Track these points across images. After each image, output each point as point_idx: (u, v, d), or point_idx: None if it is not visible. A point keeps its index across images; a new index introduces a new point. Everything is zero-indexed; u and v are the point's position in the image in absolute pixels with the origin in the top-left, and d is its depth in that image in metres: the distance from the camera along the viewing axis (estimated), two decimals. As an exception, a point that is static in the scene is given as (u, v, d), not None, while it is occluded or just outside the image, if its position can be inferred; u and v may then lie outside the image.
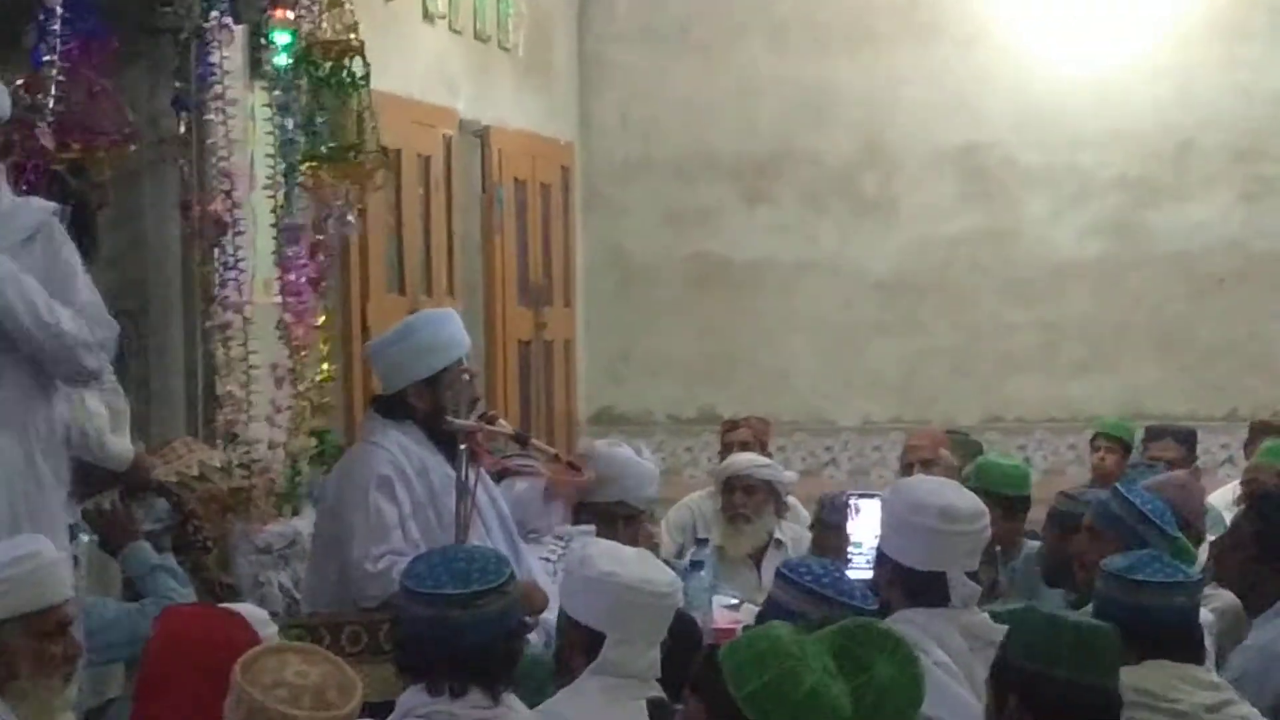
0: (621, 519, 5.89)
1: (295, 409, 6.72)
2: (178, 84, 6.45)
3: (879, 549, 4.53)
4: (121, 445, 5.58)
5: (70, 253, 4.59)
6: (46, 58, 5.48)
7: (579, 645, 4.05)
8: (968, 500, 4.50)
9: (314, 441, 6.78)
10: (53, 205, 4.67)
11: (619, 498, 5.96)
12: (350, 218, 6.94)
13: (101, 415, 5.52)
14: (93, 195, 5.54)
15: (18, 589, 3.79)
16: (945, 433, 8.39)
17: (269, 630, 3.97)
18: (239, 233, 6.49)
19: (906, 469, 7.55)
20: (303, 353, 6.79)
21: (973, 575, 4.44)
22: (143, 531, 5.43)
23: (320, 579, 5.42)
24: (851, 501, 6.52)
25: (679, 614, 4.25)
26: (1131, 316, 11.18)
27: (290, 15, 6.73)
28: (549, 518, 5.87)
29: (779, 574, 4.20)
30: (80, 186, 5.48)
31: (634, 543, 5.54)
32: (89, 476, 5.50)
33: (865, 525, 6.16)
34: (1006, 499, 6.32)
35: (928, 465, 7.28)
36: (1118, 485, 5.42)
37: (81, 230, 5.53)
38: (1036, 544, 6.31)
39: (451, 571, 3.83)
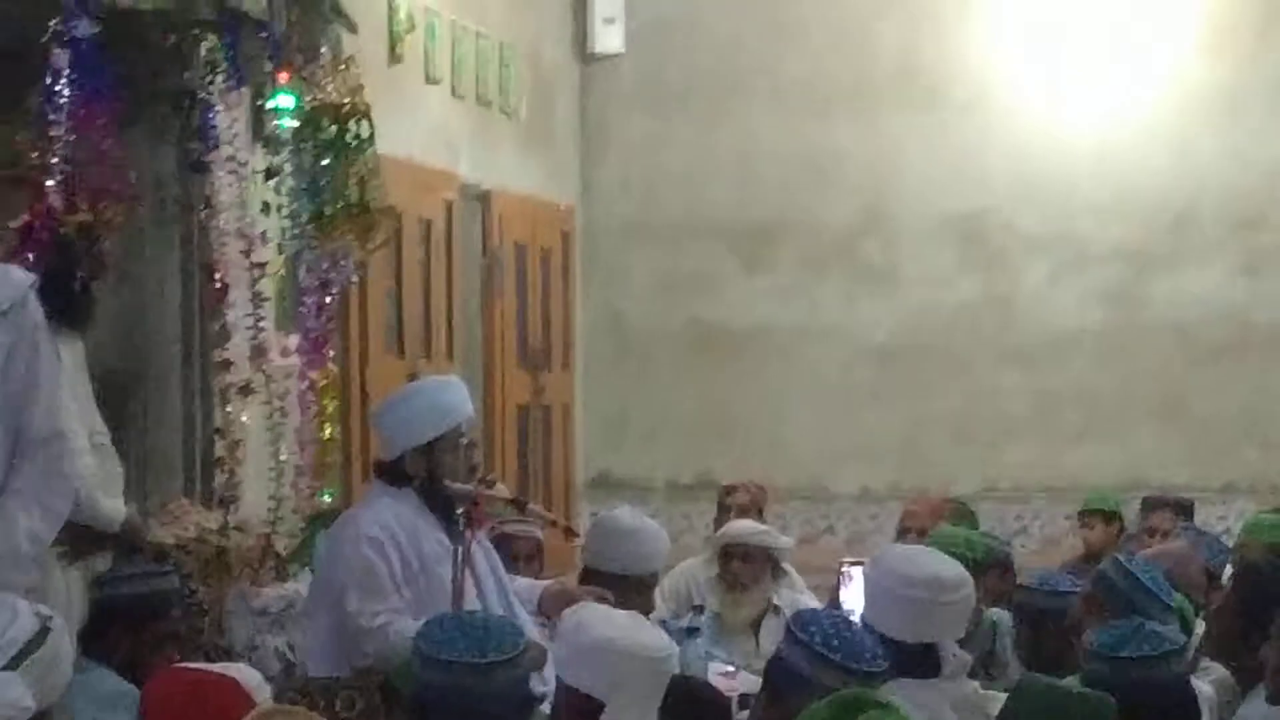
0: (635, 589, 5.87)
1: (296, 471, 6.71)
2: (191, 146, 6.46)
3: (863, 620, 4.41)
4: (112, 506, 5.56)
5: (46, 353, 4.15)
6: (53, 117, 5.49)
7: (576, 711, 4.03)
8: (952, 568, 4.45)
9: (313, 504, 6.77)
10: (30, 278, 4.27)
11: (649, 569, 5.94)
12: (349, 264, 6.91)
13: (94, 476, 5.51)
14: (89, 264, 5.52)
15: (67, 658, 3.74)
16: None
17: (264, 694, 3.94)
18: (257, 293, 6.51)
19: (902, 535, 7.51)
20: (305, 414, 6.78)
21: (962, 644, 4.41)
22: None
23: (312, 639, 5.40)
24: (845, 569, 6.48)
25: (683, 680, 4.21)
26: (1130, 386, 11.18)
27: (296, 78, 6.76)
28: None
29: (789, 630, 4.04)
30: (79, 254, 5.47)
31: (647, 611, 5.52)
32: (80, 537, 5.49)
33: (858, 593, 6.13)
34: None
35: (924, 536, 7.22)
36: (1118, 555, 5.41)
37: (75, 302, 5.52)
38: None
39: (468, 639, 3.81)
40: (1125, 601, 4.96)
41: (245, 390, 6.53)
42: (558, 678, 4.15)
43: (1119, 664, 3.96)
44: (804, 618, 4.08)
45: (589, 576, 5.96)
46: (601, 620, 4.10)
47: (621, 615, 4.22)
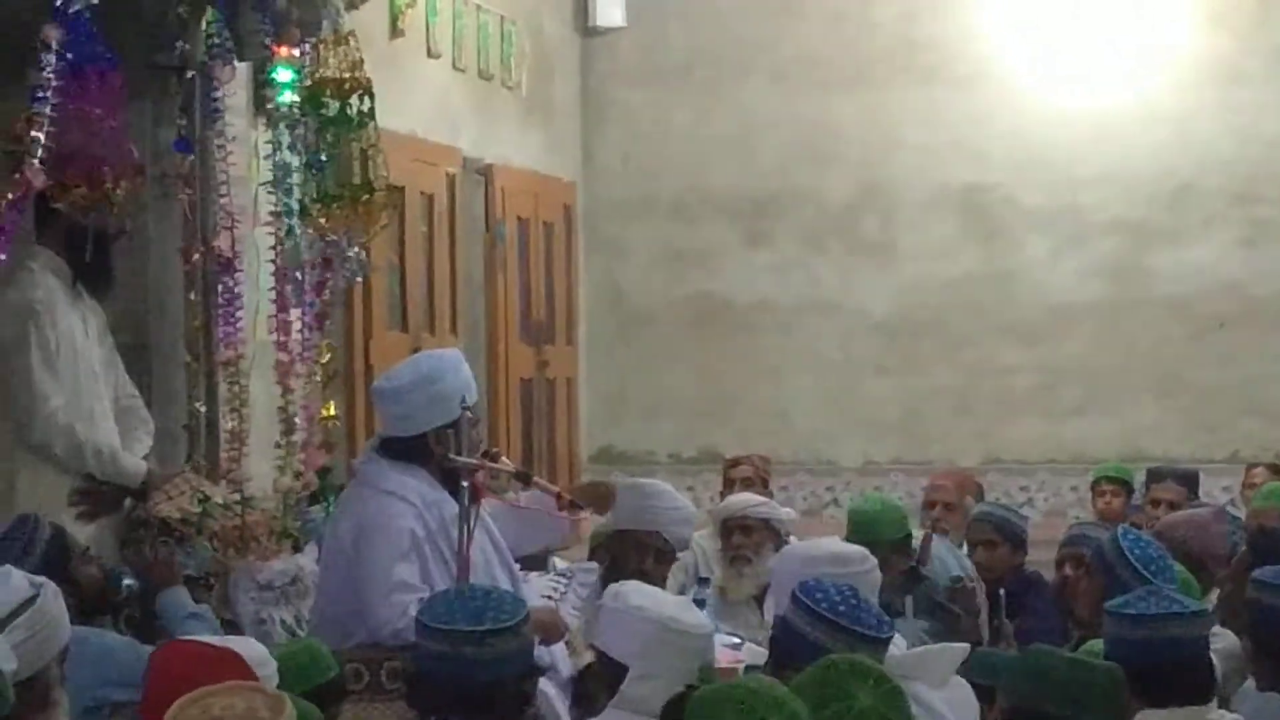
0: (653, 552, 5.89)
1: (295, 446, 6.70)
2: (181, 122, 6.45)
3: (778, 617, 4.34)
4: (134, 463, 5.65)
5: None
6: (41, 94, 5.47)
7: (603, 678, 4.11)
8: (850, 547, 4.84)
9: (316, 478, 6.76)
10: None
11: (652, 529, 5.97)
12: (361, 258, 6.89)
13: (114, 432, 5.59)
14: (95, 235, 5.59)
15: (58, 625, 3.75)
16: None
17: (268, 669, 3.91)
18: (240, 269, 6.50)
19: (928, 507, 7.48)
20: (302, 390, 6.77)
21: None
22: (182, 577, 5.45)
23: (338, 629, 5.26)
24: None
25: None
26: (1130, 358, 11.19)
27: (295, 53, 6.74)
28: (539, 534, 5.78)
29: (795, 597, 4.08)
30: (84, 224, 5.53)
31: (662, 580, 5.55)
32: (99, 498, 5.53)
33: None
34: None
35: (950, 510, 7.21)
36: (1120, 527, 5.40)
37: (88, 270, 5.60)
38: None
39: (466, 609, 3.84)
40: (1110, 574, 4.97)
41: (248, 366, 6.53)
42: (594, 646, 4.22)
43: (1127, 621, 3.96)
44: (810, 586, 4.12)
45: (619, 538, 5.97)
46: (639, 591, 4.23)
47: (662, 592, 4.39)
